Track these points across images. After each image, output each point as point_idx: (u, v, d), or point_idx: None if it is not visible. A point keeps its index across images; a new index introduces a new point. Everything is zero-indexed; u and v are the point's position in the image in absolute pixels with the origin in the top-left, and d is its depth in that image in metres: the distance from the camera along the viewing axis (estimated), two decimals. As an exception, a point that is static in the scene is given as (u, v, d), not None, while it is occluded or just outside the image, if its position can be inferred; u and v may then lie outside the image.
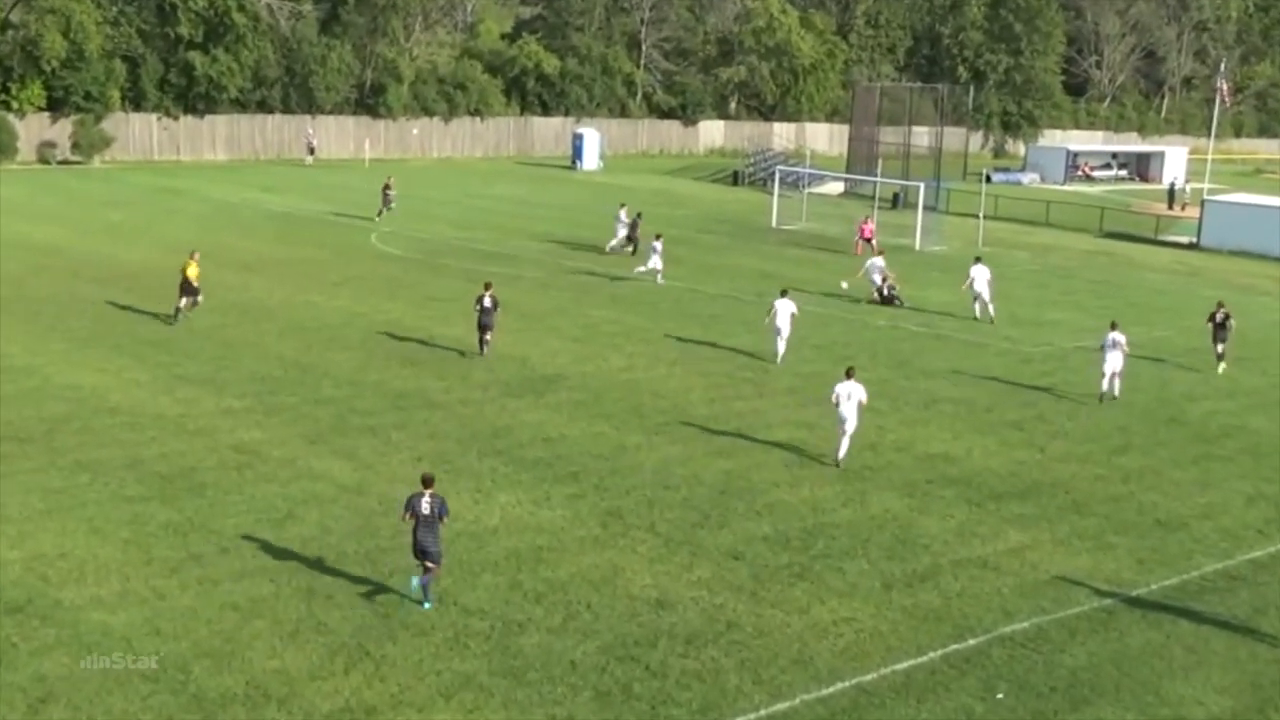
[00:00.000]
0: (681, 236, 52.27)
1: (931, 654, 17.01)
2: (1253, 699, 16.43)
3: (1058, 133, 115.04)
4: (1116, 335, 29.93)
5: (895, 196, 68.32)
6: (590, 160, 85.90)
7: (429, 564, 17.39)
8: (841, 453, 24.33)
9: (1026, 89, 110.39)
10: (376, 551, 19.35)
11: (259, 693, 15.20)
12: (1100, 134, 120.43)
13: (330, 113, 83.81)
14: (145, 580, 18.07)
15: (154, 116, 77.64)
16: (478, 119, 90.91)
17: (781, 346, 32.20)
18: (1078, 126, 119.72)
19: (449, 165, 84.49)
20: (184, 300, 33.64)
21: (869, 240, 50.99)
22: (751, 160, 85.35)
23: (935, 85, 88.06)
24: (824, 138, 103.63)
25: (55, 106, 73.27)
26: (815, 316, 36.75)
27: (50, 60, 70.93)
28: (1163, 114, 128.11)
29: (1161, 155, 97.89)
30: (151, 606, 17.24)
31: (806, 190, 66.42)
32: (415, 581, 17.51)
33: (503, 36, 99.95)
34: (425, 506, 17.28)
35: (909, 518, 22.04)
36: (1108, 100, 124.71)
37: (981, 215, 58.51)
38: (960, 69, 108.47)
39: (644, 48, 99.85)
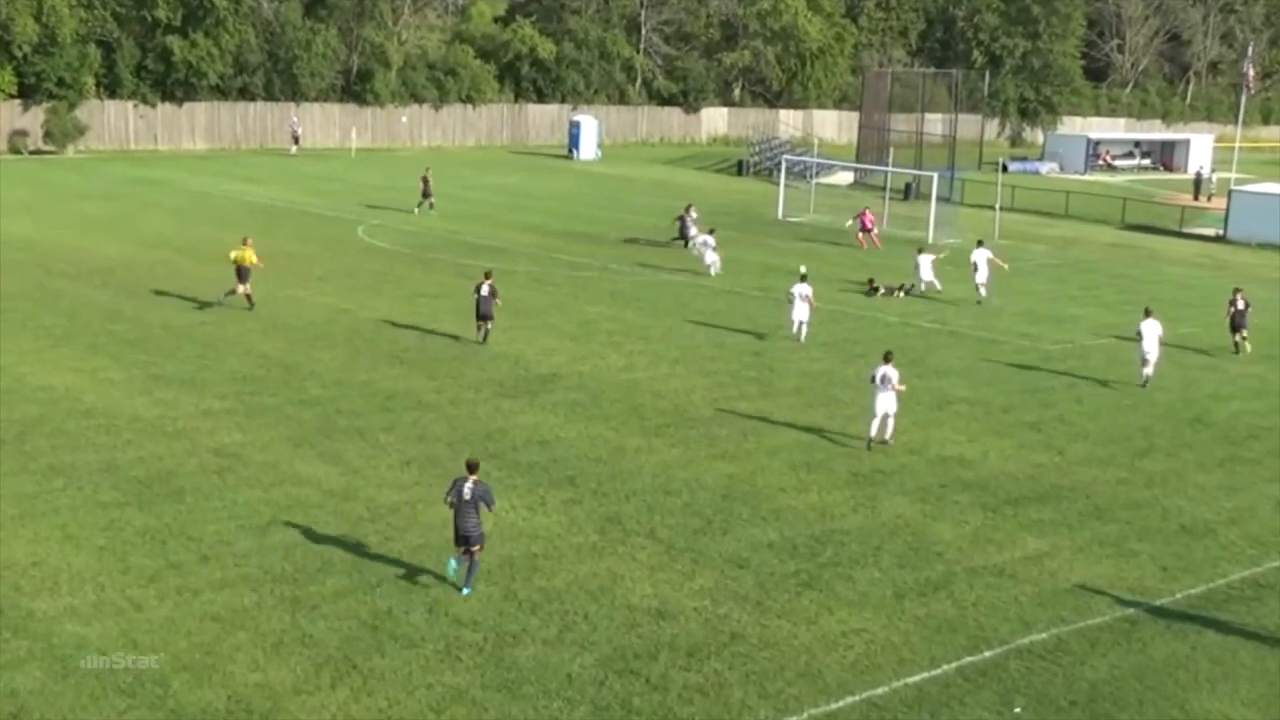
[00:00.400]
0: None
1: (946, 666, 16.77)
2: (1282, 714, 16.14)
3: (1078, 120, 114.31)
4: (1153, 322, 30.95)
5: (907, 187, 67.74)
6: (587, 149, 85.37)
7: (472, 548, 17.83)
8: (887, 434, 25.16)
9: (1045, 74, 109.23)
10: (364, 560, 19.11)
11: (241, 708, 14.96)
12: (1122, 121, 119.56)
13: (315, 100, 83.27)
14: (121, 590, 17.81)
15: (130, 104, 76.80)
16: (469, 106, 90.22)
17: (803, 331, 33.44)
18: (1099, 113, 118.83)
19: (439, 154, 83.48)
20: (240, 286, 33.98)
21: (869, 231, 50.83)
22: (757, 149, 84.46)
23: (949, 70, 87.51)
24: (832, 125, 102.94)
25: (27, 93, 72.46)
26: (824, 313, 36.47)
27: (22, 45, 69.89)
28: (1188, 100, 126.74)
29: (1186, 143, 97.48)
30: (128, 617, 16.98)
31: (814, 180, 65.92)
32: (452, 563, 18.00)
33: (496, 20, 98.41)
34: (467, 492, 17.78)
35: (922, 524, 21.74)
36: (1130, 86, 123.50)
37: (998, 206, 58.16)
38: (975, 53, 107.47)
39: (644, 31, 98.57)
